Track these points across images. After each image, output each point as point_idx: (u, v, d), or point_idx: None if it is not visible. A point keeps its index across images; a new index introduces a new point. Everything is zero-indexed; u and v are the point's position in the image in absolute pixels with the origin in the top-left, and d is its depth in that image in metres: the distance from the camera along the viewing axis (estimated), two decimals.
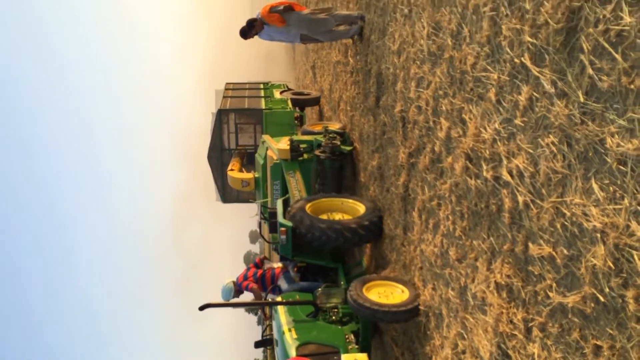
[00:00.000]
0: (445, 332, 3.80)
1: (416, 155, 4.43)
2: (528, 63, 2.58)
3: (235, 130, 11.22)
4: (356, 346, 4.70)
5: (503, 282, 2.91)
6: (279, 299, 5.55)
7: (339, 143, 6.78)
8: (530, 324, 2.64)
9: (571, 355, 2.32)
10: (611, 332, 2.06)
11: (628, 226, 1.95)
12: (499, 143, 2.93)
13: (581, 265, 2.23)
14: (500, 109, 2.91)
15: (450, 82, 3.64)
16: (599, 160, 2.12)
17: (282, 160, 7.10)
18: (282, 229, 5.57)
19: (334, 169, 6.89)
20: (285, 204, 6.57)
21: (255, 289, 6.48)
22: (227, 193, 10.65)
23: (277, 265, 6.68)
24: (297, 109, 11.29)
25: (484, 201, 3.15)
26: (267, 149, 7.92)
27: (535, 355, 2.57)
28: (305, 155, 7.19)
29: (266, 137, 8.36)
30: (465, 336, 3.43)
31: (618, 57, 1.98)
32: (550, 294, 2.46)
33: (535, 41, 2.53)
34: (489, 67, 3.03)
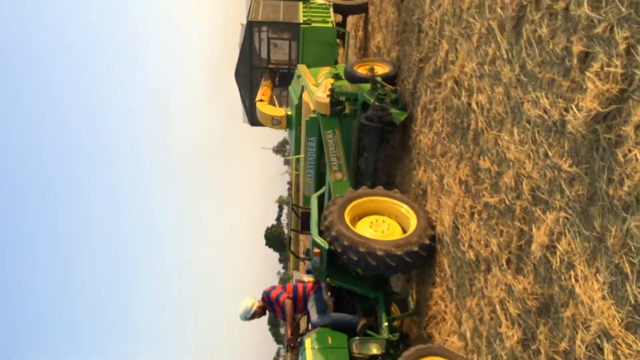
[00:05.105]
0: (428, 205, 5.11)
1: (425, 62, 5.35)
2: (496, 29, 3.48)
3: (267, 47, 10.07)
4: None
5: (463, 179, 4.11)
6: (307, 341, 4.79)
7: (389, 108, 5.72)
8: (473, 210, 3.89)
9: (488, 223, 3.59)
10: (510, 223, 3.30)
11: (524, 162, 3.07)
12: (474, 79, 3.91)
13: (502, 179, 3.39)
14: (479, 52, 3.84)
15: (453, 13, 4.45)
16: (519, 116, 3.16)
17: (319, 115, 6.27)
18: (316, 250, 4.80)
19: (379, 140, 5.99)
20: (321, 202, 5.65)
21: (288, 306, 5.42)
22: (256, 115, 9.43)
23: (309, 279, 5.68)
24: (339, 17, 10.26)
25: (460, 118, 4.21)
26: (302, 89, 7.09)
27: (472, 231, 3.86)
28: (347, 109, 6.26)
29: (303, 69, 7.48)
30: (438, 212, 4.73)
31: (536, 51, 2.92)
32: (485, 194, 3.66)
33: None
34: (475, 16, 3.89)
